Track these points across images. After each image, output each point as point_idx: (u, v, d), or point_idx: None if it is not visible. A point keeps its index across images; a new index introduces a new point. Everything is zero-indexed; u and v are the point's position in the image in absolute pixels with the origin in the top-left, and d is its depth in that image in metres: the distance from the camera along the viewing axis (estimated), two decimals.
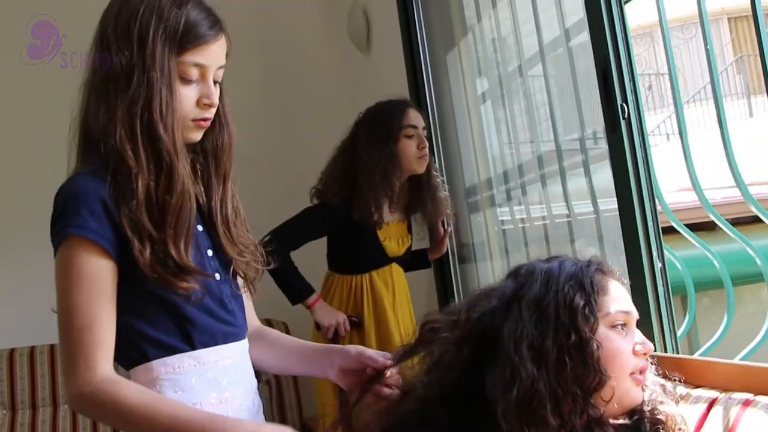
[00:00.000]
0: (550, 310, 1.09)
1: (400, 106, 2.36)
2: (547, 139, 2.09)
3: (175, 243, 1.10)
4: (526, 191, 2.24)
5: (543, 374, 1.05)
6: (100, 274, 1.07)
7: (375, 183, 2.28)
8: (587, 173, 1.87)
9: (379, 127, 2.33)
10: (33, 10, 2.89)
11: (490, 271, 2.44)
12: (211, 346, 1.16)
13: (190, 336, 1.14)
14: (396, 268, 2.42)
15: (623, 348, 1.11)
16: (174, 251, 1.10)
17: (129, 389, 1.08)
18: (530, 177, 2.20)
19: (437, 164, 2.65)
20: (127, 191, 1.09)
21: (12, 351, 2.84)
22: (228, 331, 1.19)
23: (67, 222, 1.07)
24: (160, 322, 1.13)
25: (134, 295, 1.11)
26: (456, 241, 2.64)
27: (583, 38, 1.76)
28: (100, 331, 1.06)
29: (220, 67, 1.17)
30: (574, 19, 1.81)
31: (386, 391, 1.23)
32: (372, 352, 1.26)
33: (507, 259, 2.33)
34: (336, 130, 2.44)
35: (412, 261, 2.51)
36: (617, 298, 1.14)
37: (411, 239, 2.48)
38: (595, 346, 1.07)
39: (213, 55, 1.15)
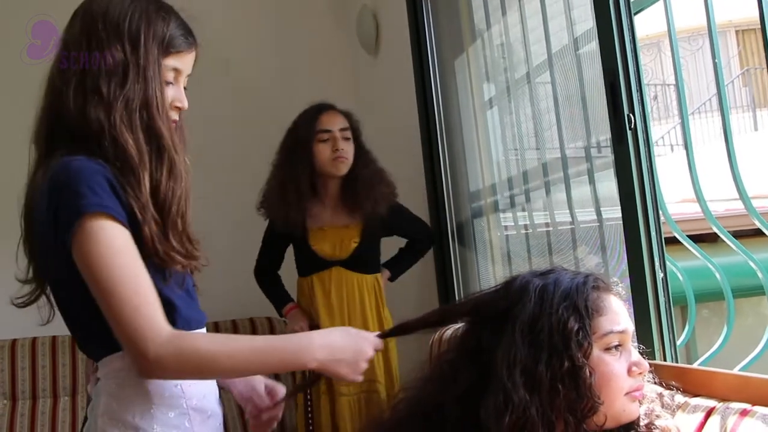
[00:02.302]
0: (543, 334, 1.08)
1: (313, 112, 2.41)
2: (551, 146, 2.10)
3: (174, 230, 1.16)
4: (530, 198, 2.25)
5: (536, 400, 1.05)
6: (128, 243, 1.11)
7: (272, 195, 2.38)
8: (591, 181, 1.87)
9: (291, 138, 2.40)
10: (33, 10, 2.89)
11: (492, 276, 2.45)
12: (187, 331, 1.20)
13: (174, 322, 1.16)
14: (337, 272, 2.39)
15: (618, 371, 1.10)
16: (174, 238, 1.16)
17: (200, 337, 1.17)
18: (535, 184, 2.21)
19: (442, 167, 2.66)
20: (133, 181, 1.13)
21: (14, 342, 2.85)
22: (198, 317, 1.25)
23: (83, 201, 1.08)
24: None
25: None
26: (458, 245, 2.65)
27: (590, 46, 1.77)
28: (150, 294, 1.10)
29: (188, 75, 1.27)
30: (583, 27, 1.82)
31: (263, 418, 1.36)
32: (261, 391, 1.37)
33: (509, 264, 2.34)
34: None
35: (405, 255, 2.54)
36: (613, 317, 1.12)
37: (359, 241, 2.41)
38: (588, 373, 1.06)
39: (188, 62, 1.25)
